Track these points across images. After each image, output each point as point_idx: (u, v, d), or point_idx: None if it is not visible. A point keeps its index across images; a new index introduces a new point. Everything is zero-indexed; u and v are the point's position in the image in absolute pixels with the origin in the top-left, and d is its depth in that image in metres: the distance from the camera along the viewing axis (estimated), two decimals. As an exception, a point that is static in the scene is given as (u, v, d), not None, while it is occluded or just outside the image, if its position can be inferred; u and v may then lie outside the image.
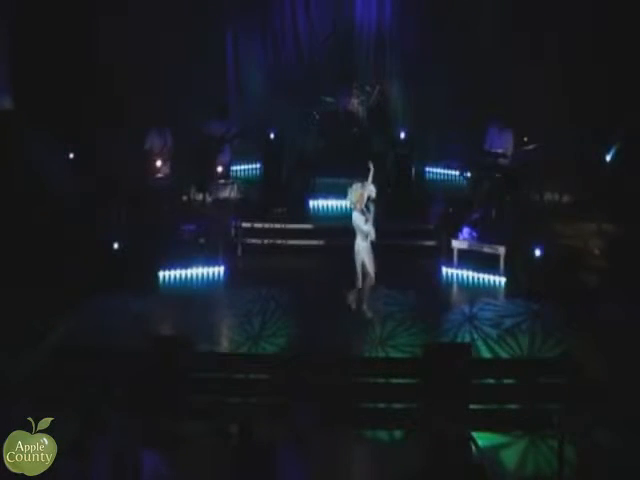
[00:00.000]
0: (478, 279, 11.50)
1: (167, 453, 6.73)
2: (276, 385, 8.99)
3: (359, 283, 10.00)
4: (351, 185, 10.00)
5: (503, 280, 11.34)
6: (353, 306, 10.16)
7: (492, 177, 12.28)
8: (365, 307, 10.16)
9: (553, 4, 13.39)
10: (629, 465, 7.67)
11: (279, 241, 12.61)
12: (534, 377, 9.20)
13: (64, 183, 11.98)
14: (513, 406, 9.03)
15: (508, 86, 13.64)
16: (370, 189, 9.94)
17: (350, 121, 14.20)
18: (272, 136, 13.94)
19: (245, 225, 12.58)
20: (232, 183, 13.28)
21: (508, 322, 10.19)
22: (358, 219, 9.90)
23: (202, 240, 12.06)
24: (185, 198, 13.28)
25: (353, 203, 9.93)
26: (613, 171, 12.80)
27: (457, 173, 14.32)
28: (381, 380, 9.18)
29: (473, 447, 7.70)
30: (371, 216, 9.88)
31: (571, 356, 9.26)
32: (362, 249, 9.93)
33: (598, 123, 12.92)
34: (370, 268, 9.94)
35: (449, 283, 11.62)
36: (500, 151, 12.53)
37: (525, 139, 12.61)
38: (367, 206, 9.89)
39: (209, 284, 11.54)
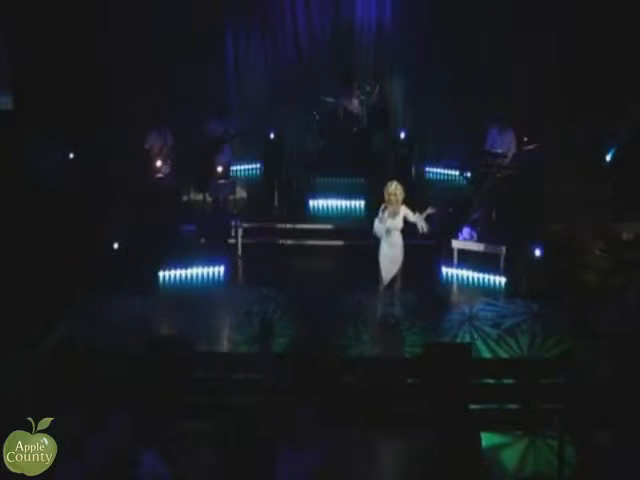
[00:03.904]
0: (478, 279, 11.50)
1: (167, 453, 6.73)
2: (276, 385, 8.98)
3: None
4: (390, 185, 9.82)
5: (503, 280, 11.34)
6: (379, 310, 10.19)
7: (492, 177, 12.27)
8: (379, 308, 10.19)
9: (553, 4, 13.38)
10: (629, 465, 7.67)
11: (279, 241, 12.62)
12: (534, 377, 9.20)
13: (64, 183, 11.97)
14: (513, 406, 9.03)
15: (508, 86, 13.65)
16: (406, 211, 9.78)
17: (350, 121, 14.20)
18: (272, 136, 13.94)
19: (245, 225, 12.58)
20: (232, 183, 13.29)
21: (508, 322, 10.20)
22: (378, 217, 9.85)
23: (202, 240, 12.08)
24: (185, 198, 13.29)
25: (389, 200, 9.76)
26: (613, 171, 12.81)
27: (457, 173, 14.33)
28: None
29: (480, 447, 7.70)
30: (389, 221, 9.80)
31: (571, 356, 9.26)
32: (380, 249, 9.93)
33: (598, 123, 12.91)
34: (383, 270, 9.91)
35: (449, 283, 11.62)
36: (500, 151, 12.52)
37: (525, 139, 12.61)
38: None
39: (209, 284, 11.54)
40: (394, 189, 9.72)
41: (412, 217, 9.79)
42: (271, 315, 10.22)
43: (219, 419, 8.36)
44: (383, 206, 9.79)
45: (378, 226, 9.83)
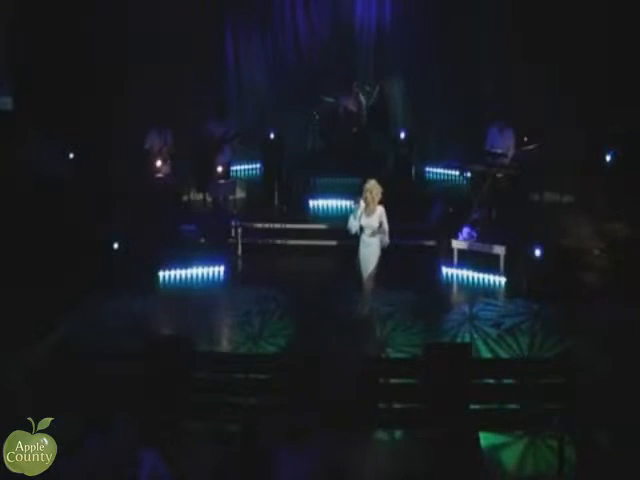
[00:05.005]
0: (478, 279, 11.50)
1: (167, 453, 6.73)
2: (276, 385, 8.99)
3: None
4: (369, 182, 9.75)
5: (503, 280, 11.34)
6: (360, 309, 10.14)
7: (492, 177, 12.27)
8: (360, 306, 10.10)
9: (552, 4, 13.39)
10: (629, 465, 7.67)
11: (279, 241, 12.62)
12: (534, 377, 9.20)
13: (64, 183, 11.97)
14: (513, 406, 9.02)
15: (508, 86, 13.66)
16: (383, 215, 9.72)
17: (350, 121, 14.20)
18: (272, 136, 13.94)
19: (245, 225, 12.58)
20: (232, 183, 13.29)
21: (508, 322, 10.19)
22: (352, 213, 9.82)
23: (202, 240, 12.08)
24: (185, 198, 13.29)
25: (365, 196, 9.71)
26: (613, 171, 12.81)
27: (457, 173, 14.33)
28: (381, 380, 9.17)
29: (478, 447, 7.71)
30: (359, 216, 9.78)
31: (571, 356, 9.26)
32: (359, 247, 9.92)
33: (598, 123, 12.93)
34: (363, 267, 9.90)
35: (449, 283, 11.62)
36: (500, 151, 12.53)
37: (525, 139, 12.61)
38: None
39: (209, 284, 11.54)
40: (370, 187, 9.65)
41: (383, 225, 9.69)
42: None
43: (219, 419, 8.37)
44: (359, 200, 9.73)
45: (352, 222, 9.77)
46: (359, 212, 9.69)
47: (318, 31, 15.23)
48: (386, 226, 9.70)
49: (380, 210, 9.69)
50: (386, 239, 9.74)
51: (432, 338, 9.76)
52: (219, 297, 11.12)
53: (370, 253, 9.76)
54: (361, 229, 9.76)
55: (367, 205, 9.67)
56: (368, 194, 9.65)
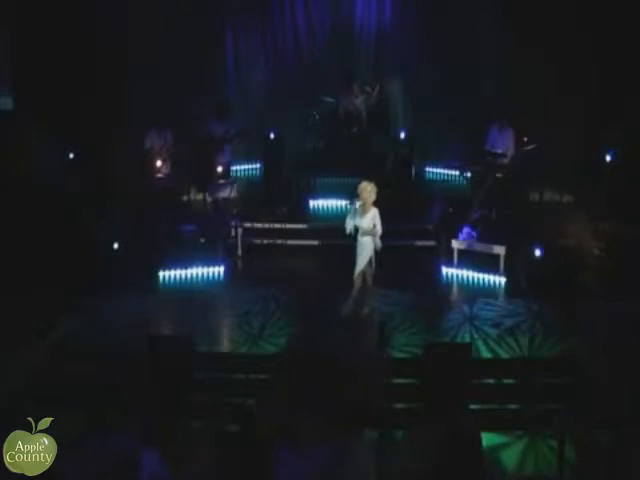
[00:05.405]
0: (478, 279, 11.51)
1: (167, 453, 6.72)
2: (276, 385, 8.97)
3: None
4: (362, 183, 9.78)
5: (503, 280, 11.34)
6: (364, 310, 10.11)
7: (492, 177, 12.27)
8: (347, 305, 10.04)
9: (553, 4, 13.40)
10: (629, 465, 7.66)
11: (279, 241, 12.62)
12: (534, 377, 9.19)
13: (64, 183, 11.97)
14: (513, 406, 9.02)
15: (508, 86, 13.67)
16: (376, 217, 9.75)
17: (350, 121, 14.20)
18: (272, 136, 13.94)
19: (245, 225, 12.58)
20: (232, 183, 13.29)
21: (508, 322, 10.19)
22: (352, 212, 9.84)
23: (202, 240, 12.08)
24: (185, 198, 13.30)
25: (359, 197, 9.74)
26: (613, 171, 12.82)
27: (457, 173, 14.33)
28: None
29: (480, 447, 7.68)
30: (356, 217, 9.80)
31: (571, 356, 9.26)
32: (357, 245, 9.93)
33: (598, 123, 12.93)
34: (357, 265, 9.91)
35: (449, 283, 11.62)
36: (500, 151, 12.53)
37: (525, 139, 12.62)
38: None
39: (209, 284, 11.54)
40: (363, 186, 9.68)
41: (376, 227, 9.70)
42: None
43: (219, 419, 8.37)
44: (354, 200, 9.74)
45: (348, 221, 9.82)
46: (355, 212, 9.72)
47: (318, 31, 15.25)
48: (379, 228, 9.71)
49: (373, 211, 9.72)
50: (377, 240, 9.74)
51: (432, 338, 9.76)
52: (219, 297, 11.12)
53: (362, 253, 9.80)
54: (356, 229, 9.80)
55: (363, 205, 9.71)
56: (361, 193, 9.69)
